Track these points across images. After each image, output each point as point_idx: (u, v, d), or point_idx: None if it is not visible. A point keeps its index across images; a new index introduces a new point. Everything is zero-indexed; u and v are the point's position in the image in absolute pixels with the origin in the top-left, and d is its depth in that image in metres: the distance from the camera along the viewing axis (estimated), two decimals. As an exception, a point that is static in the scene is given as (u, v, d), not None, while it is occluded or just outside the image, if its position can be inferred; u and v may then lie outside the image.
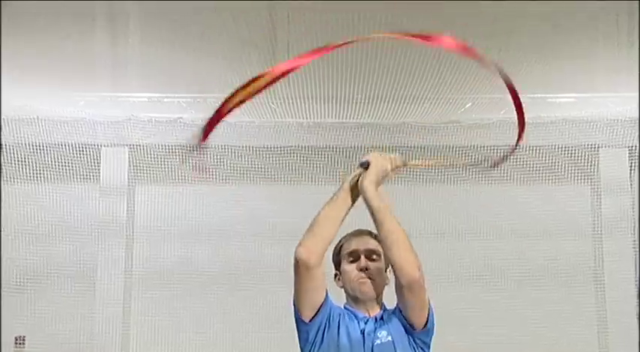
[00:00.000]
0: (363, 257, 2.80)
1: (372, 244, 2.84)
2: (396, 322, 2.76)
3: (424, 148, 7.10)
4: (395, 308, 2.80)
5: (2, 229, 6.65)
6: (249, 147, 7.15)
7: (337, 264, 2.90)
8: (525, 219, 7.11)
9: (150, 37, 5.56)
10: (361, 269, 2.78)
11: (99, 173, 7.18)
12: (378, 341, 2.75)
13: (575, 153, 7.00)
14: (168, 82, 6.31)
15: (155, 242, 7.17)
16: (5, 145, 6.55)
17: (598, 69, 5.93)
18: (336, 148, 7.17)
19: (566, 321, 6.90)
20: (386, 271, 2.85)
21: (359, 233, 2.89)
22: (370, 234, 2.86)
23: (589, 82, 6.25)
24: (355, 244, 2.84)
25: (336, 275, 2.91)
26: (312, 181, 7.16)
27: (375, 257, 2.82)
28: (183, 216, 7.20)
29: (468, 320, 6.85)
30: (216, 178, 7.13)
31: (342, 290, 2.88)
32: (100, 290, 7.06)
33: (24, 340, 6.90)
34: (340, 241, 2.89)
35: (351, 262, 2.82)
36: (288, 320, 6.86)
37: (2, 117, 6.35)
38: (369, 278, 2.78)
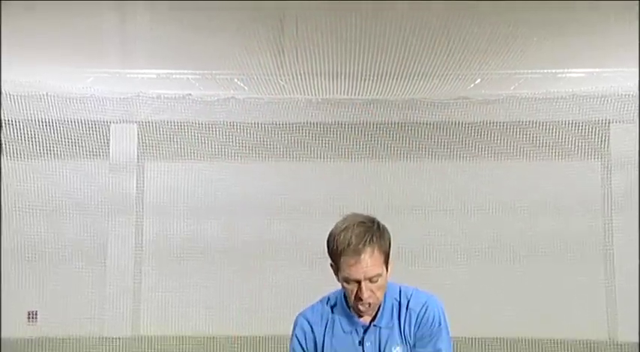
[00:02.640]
0: (363, 284, 2.56)
1: (372, 269, 2.57)
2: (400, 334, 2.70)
3: (433, 124, 7.09)
4: (404, 322, 2.68)
5: (14, 205, 6.69)
6: (258, 123, 7.14)
7: (334, 262, 2.65)
8: (535, 194, 7.10)
9: (158, 14, 5.53)
10: (361, 298, 2.58)
11: (108, 149, 7.20)
12: None
13: (585, 129, 6.96)
14: (176, 59, 6.29)
15: (165, 218, 7.21)
16: (15, 122, 6.56)
17: (609, 44, 5.86)
18: (345, 124, 7.16)
19: (575, 295, 6.91)
20: (387, 270, 2.66)
21: (358, 252, 2.55)
22: (370, 241, 2.57)
23: (600, 57, 6.19)
24: (354, 272, 2.56)
25: (332, 266, 2.70)
26: (321, 157, 7.16)
27: (375, 278, 2.59)
28: (192, 192, 7.22)
29: (477, 294, 6.88)
30: (225, 155, 7.14)
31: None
32: (110, 266, 7.11)
33: (36, 315, 6.97)
34: (339, 245, 2.57)
35: (350, 283, 2.59)
36: (296, 295, 6.94)
37: (11, 93, 6.35)
38: (369, 303, 2.61)
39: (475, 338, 6.70)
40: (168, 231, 7.19)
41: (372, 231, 2.61)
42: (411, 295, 2.77)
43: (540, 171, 7.12)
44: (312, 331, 2.78)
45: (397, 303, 2.75)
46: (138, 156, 7.27)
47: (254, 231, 7.17)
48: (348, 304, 2.78)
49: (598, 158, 7.09)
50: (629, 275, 6.79)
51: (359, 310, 2.68)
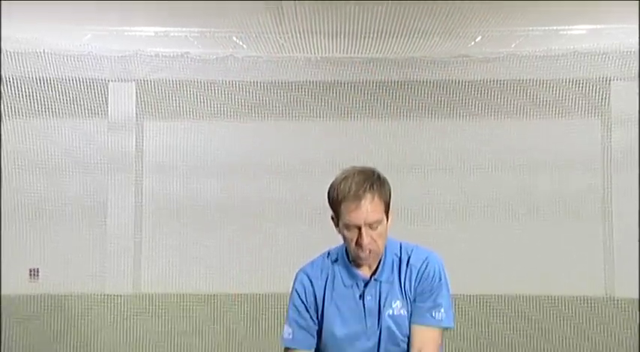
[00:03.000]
0: (363, 229, 2.63)
1: (372, 215, 2.63)
2: (400, 289, 2.77)
3: (433, 83, 7.06)
4: (404, 278, 2.76)
5: (13, 163, 6.69)
6: (257, 82, 7.11)
7: (334, 213, 2.74)
8: (535, 153, 7.10)
9: (156, -31, 5.48)
10: (361, 245, 2.66)
11: (107, 108, 7.17)
12: (390, 311, 2.76)
13: (586, 86, 6.92)
14: (175, 16, 6.23)
15: (164, 177, 7.22)
16: (12, 79, 6.53)
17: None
18: (345, 83, 7.13)
19: (573, 252, 6.96)
20: (387, 219, 2.73)
21: (359, 197, 2.62)
22: (370, 187, 2.64)
23: (601, 14, 6.13)
24: (354, 218, 2.62)
25: (333, 218, 2.77)
26: (320, 116, 7.15)
27: (375, 225, 2.65)
28: (191, 151, 7.22)
29: (476, 252, 6.92)
30: (224, 114, 7.12)
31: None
32: (110, 224, 7.14)
33: (38, 272, 7.02)
34: (340, 192, 2.65)
35: (350, 230, 2.66)
36: (296, 253, 6.99)
37: (8, 50, 6.31)
38: (370, 250, 2.68)
39: (473, 296, 6.77)
40: (167, 190, 7.20)
41: (372, 179, 2.67)
42: (412, 251, 2.81)
43: (540, 129, 7.11)
44: (312, 285, 2.83)
45: (397, 259, 2.79)
46: (137, 114, 7.24)
47: (254, 190, 7.19)
48: (349, 258, 2.82)
49: (598, 116, 7.07)
50: (627, 232, 6.83)
51: (359, 258, 2.72)
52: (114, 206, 7.16)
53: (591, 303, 6.81)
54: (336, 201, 2.68)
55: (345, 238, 2.72)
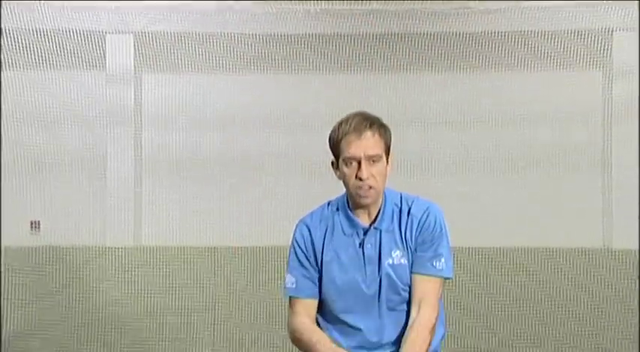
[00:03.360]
0: (363, 164, 2.66)
1: (373, 147, 2.67)
2: (401, 239, 2.79)
3: (433, 35, 6.99)
4: (405, 227, 2.78)
5: (12, 116, 6.68)
6: (256, 35, 7.04)
7: (335, 156, 2.78)
8: (535, 105, 7.07)
9: None
10: (360, 178, 2.67)
11: (105, 60, 7.12)
12: (390, 260, 2.78)
13: (588, 38, 6.86)
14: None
15: (163, 130, 7.20)
16: (9, 30, 6.47)
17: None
18: (344, 36, 7.06)
19: (572, 205, 6.99)
20: (387, 163, 2.76)
21: (358, 129, 2.67)
22: (371, 126, 2.69)
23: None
24: (355, 149, 2.66)
25: (333, 163, 2.82)
26: (319, 70, 7.10)
27: (375, 159, 2.69)
28: (190, 104, 7.19)
29: (475, 205, 6.95)
30: (223, 67, 7.08)
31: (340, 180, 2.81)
32: (110, 177, 7.15)
33: (39, 224, 7.05)
34: (341, 131, 2.71)
35: (351, 165, 2.69)
36: (296, 206, 7.01)
37: (4, 2, 6.25)
38: (370, 186, 2.69)
39: (472, 248, 6.81)
40: (167, 143, 7.19)
41: (372, 119, 2.72)
42: (413, 202, 2.84)
43: (541, 81, 7.07)
44: (311, 235, 2.86)
45: (398, 209, 2.82)
46: (135, 67, 7.19)
47: (253, 143, 7.18)
48: (349, 205, 2.84)
49: (600, 68, 7.01)
50: (626, 184, 6.85)
51: (359, 196, 2.73)
52: (113, 159, 7.16)
53: (589, 255, 6.86)
54: (336, 141, 2.72)
55: (344, 176, 2.74)
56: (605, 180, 7.06)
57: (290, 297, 2.88)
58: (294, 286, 2.85)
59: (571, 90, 7.04)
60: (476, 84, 7.14)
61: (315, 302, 2.86)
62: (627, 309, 6.71)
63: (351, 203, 2.81)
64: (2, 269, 6.64)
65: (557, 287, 6.85)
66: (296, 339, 2.86)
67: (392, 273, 2.76)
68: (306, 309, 2.84)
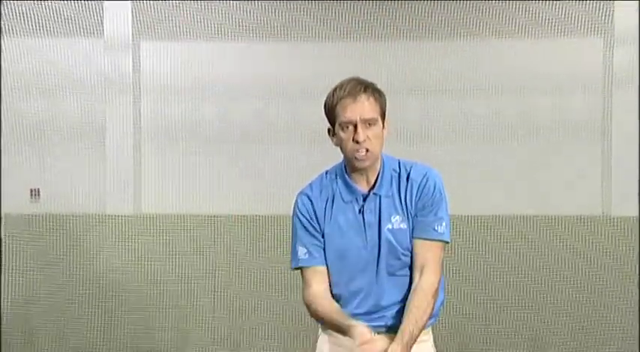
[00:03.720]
0: (359, 127, 2.69)
1: (369, 111, 2.71)
2: (400, 204, 2.80)
3: (434, 2, 6.93)
4: (405, 192, 2.80)
5: (10, 84, 6.65)
6: (255, 2, 6.98)
7: (331, 122, 2.82)
8: (535, 73, 7.03)
9: None
10: (357, 141, 2.70)
11: (102, 28, 7.07)
12: (390, 225, 2.79)
13: (589, 4, 6.81)
14: None
15: (163, 99, 7.17)
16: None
17: None
18: (344, 3, 7.00)
19: (571, 173, 7.00)
20: (383, 127, 2.79)
21: (353, 94, 2.71)
22: (365, 90, 2.73)
23: None
24: (350, 112, 2.70)
25: (329, 130, 2.85)
26: (319, 37, 7.04)
27: (371, 122, 2.72)
28: (189, 72, 7.15)
29: (474, 174, 6.96)
30: (221, 34, 7.03)
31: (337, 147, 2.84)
32: (109, 146, 7.14)
33: (39, 192, 7.06)
34: (336, 96, 2.75)
35: (347, 129, 2.72)
36: (295, 175, 7.02)
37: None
38: (366, 150, 2.72)
39: (471, 216, 6.83)
40: (166, 112, 7.17)
41: (367, 83, 2.76)
42: (411, 167, 2.86)
43: (541, 49, 7.02)
44: (313, 205, 2.89)
45: (397, 174, 2.84)
46: (133, 35, 7.14)
47: (252, 112, 7.16)
48: (347, 172, 2.86)
49: (601, 34, 6.97)
50: (626, 151, 6.85)
51: (356, 160, 2.75)
52: (112, 127, 7.14)
53: (588, 222, 6.87)
54: (332, 106, 2.76)
55: (341, 141, 2.77)
56: (605, 148, 7.06)
57: (302, 268, 2.88)
58: (306, 256, 2.86)
59: (571, 58, 7.01)
60: (475, 51, 7.09)
61: (326, 270, 2.87)
62: (625, 276, 6.75)
63: (348, 168, 2.83)
64: (2, 236, 6.67)
65: (555, 255, 6.87)
66: (315, 310, 2.86)
67: (392, 238, 2.77)
68: (322, 276, 2.86)
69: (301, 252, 2.86)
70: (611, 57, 6.95)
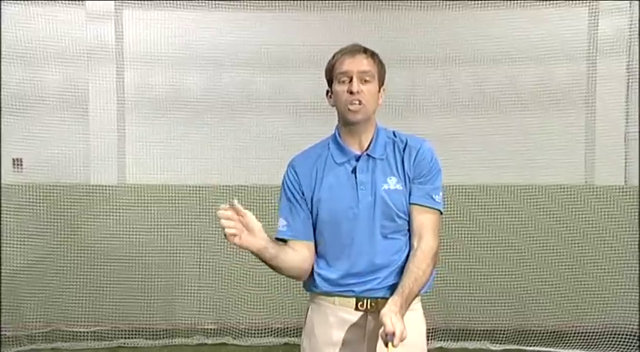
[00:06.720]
0: (355, 79, 2.75)
1: (366, 65, 2.78)
2: (397, 167, 2.82)
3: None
4: (403, 158, 2.83)
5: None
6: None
7: (330, 82, 2.86)
8: (518, 43, 7.04)
9: None
10: (352, 93, 2.75)
11: (84, -4, 6.99)
12: (386, 186, 2.80)
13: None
14: None
15: (146, 69, 7.12)
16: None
17: None
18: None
19: (555, 142, 7.05)
20: (379, 91, 2.83)
21: (353, 51, 2.81)
22: (365, 51, 2.81)
23: None
24: (347, 65, 2.77)
25: (327, 92, 2.88)
26: (305, 8, 6.99)
27: (367, 78, 2.77)
28: (173, 42, 7.09)
29: (460, 145, 6.98)
30: (206, 4, 6.96)
31: (334, 108, 2.87)
32: (93, 117, 7.11)
33: (22, 162, 7.02)
34: (334, 57, 2.83)
35: (343, 82, 2.77)
36: (280, 146, 6.98)
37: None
38: (360, 102, 2.75)
39: (455, 186, 6.86)
40: (150, 82, 7.12)
41: (367, 48, 2.84)
42: (407, 137, 2.91)
43: (527, 18, 7.02)
44: (298, 175, 2.92)
45: (391, 141, 2.88)
46: (115, 4, 7.07)
47: (238, 83, 7.13)
48: (340, 135, 2.87)
49: (585, 4, 6.97)
50: (609, 121, 6.89)
51: (350, 112, 2.79)
52: (95, 97, 7.09)
53: (570, 191, 6.93)
54: (331, 64, 2.83)
55: (337, 95, 2.81)
56: (589, 118, 7.10)
57: (283, 241, 2.89)
58: (284, 228, 2.88)
59: (555, 27, 7.00)
60: (457, 22, 7.08)
61: (306, 244, 2.87)
62: (606, 244, 6.83)
63: (341, 123, 2.86)
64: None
65: (538, 224, 6.94)
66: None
67: (387, 198, 2.77)
68: (296, 248, 2.85)
69: (281, 223, 2.89)
70: (596, 26, 6.95)
